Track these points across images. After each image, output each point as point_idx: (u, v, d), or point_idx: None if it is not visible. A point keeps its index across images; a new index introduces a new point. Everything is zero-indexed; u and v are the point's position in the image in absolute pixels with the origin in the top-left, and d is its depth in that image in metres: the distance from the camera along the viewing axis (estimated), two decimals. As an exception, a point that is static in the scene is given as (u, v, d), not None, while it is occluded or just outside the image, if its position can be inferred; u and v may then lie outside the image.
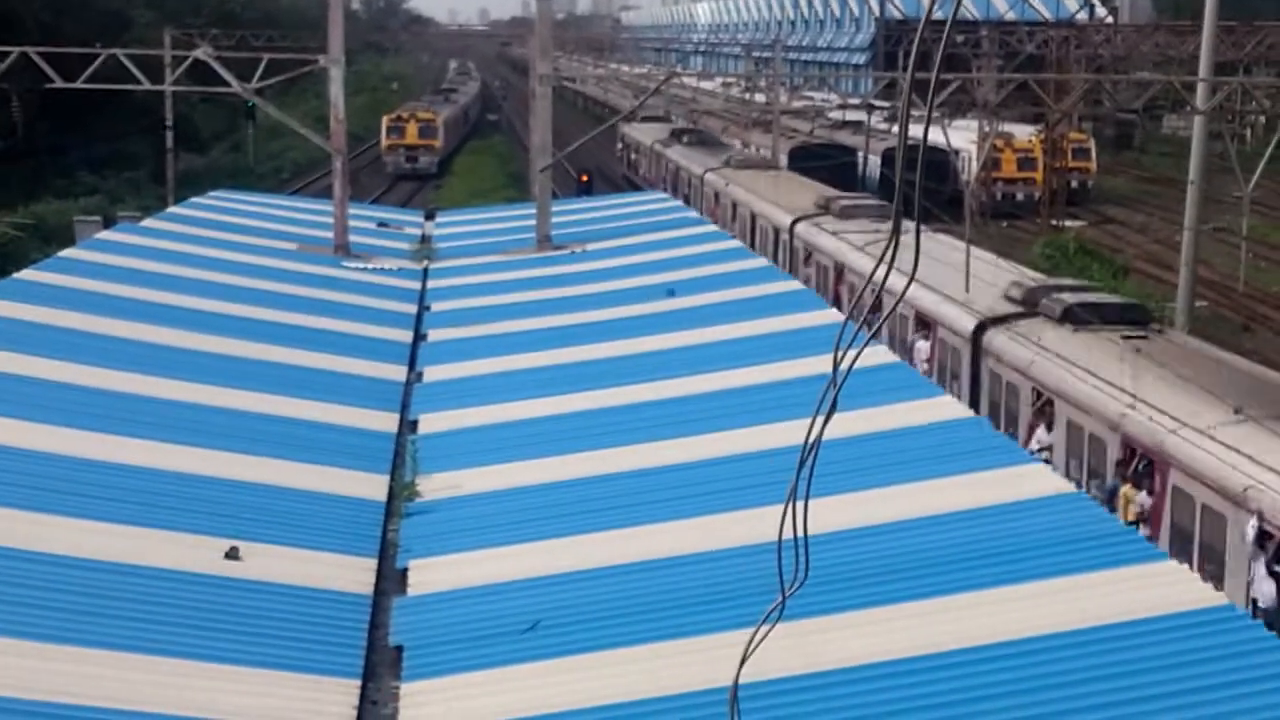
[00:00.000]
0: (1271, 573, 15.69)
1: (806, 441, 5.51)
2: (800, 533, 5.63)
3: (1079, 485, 17.40)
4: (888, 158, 59.40)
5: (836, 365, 5.44)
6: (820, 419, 5.48)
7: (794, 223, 37.28)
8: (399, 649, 11.02)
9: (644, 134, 67.17)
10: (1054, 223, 58.30)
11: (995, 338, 23.89)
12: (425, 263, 30.03)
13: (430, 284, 27.56)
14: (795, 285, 24.47)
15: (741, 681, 6.25)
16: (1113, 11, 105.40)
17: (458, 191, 68.53)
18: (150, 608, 11.00)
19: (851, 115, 68.39)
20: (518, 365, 20.05)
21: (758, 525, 12.01)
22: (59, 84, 35.47)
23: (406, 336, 22.73)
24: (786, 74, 76.81)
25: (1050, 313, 23.52)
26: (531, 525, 13.39)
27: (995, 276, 26.89)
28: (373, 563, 12.77)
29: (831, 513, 11.90)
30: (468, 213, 41.56)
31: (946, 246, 29.58)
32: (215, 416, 16.50)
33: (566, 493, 14.28)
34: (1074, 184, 64.63)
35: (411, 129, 76.95)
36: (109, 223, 37.94)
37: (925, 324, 26.82)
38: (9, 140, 61.57)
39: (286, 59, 37.89)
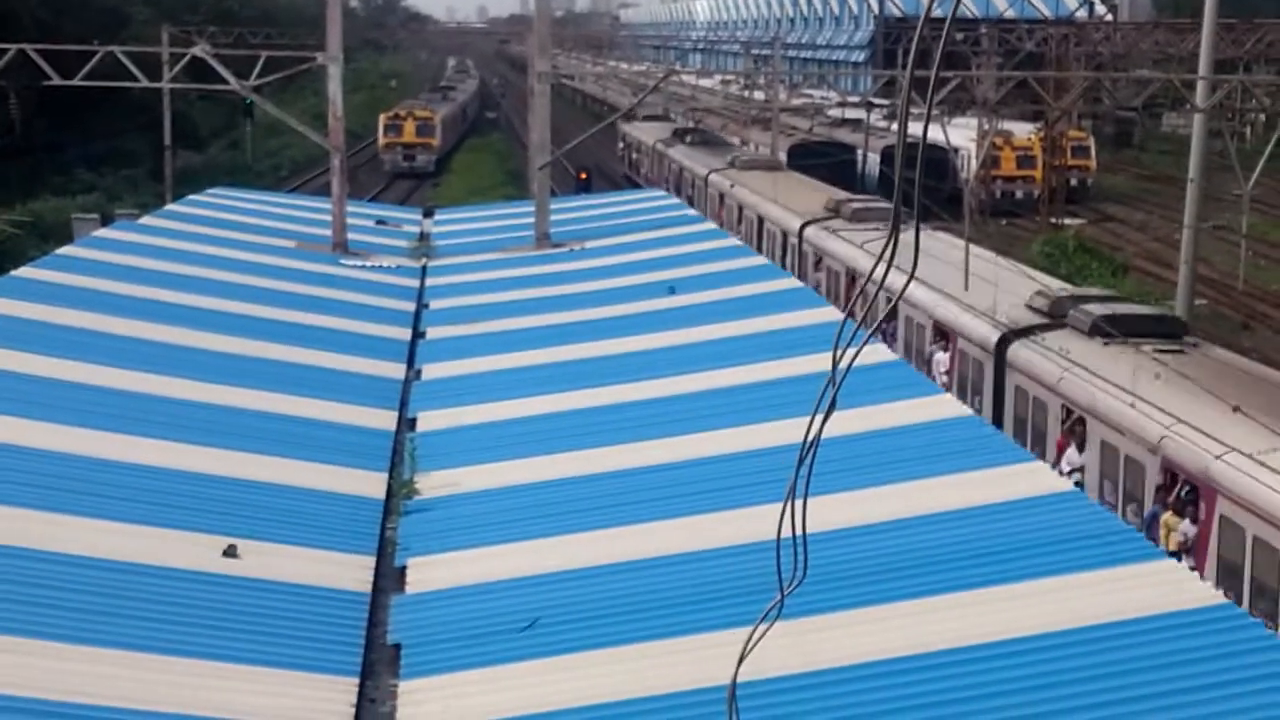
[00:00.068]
0: None
1: (805, 440, 5.50)
2: (799, 531, 5.62)
3: (1114, 509, 16.89)
4: (887, 156, 59.40)
5: (835, 364, 5.42)
6: (819, 417, 5.46)
7: (803, 226, 36.35)
8: (397, 647, 11.01)
9: (645, 133, 66.34)
10: (1053, 221, 58.33)
11: (1020, 351, 22.85)
12: (424, 260, 30.02)
13: (429, 281, 27.55)
14: (794, 283, 24.44)
15: (740, 680, 6.24)
16: (1112, 9, 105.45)
17: (456, 189, 68.55)
18: (147, 605, 10.99)
19: (851, 113, 68.41)
20: (516, 363, 20.04)
21: (756, 524, 12.00)
22: (57, 81, 35.43)
23: (405, 334, 22.71)
24: (786, 72, 76.80)
25: (1079, 325, 22.52)
26: (530, 523, 13.38)
27: (1013, 284, 25.85)
28: (371, 560, 12.75)
29: (829, 511, 11.89)
30: (466, 210, 41.55)
31: (963, 252, 28.80)
32: (213, 414, 16.49)
33: (565, 491, 14.27)
34: (1073, 182, 64.68)
35: (409, 127, 76.74)
36: (107, 220, 37.90)
37: (944, 334, 25.94)
38: (7, 138, 61.52)
39: (284, 56, 37.85)
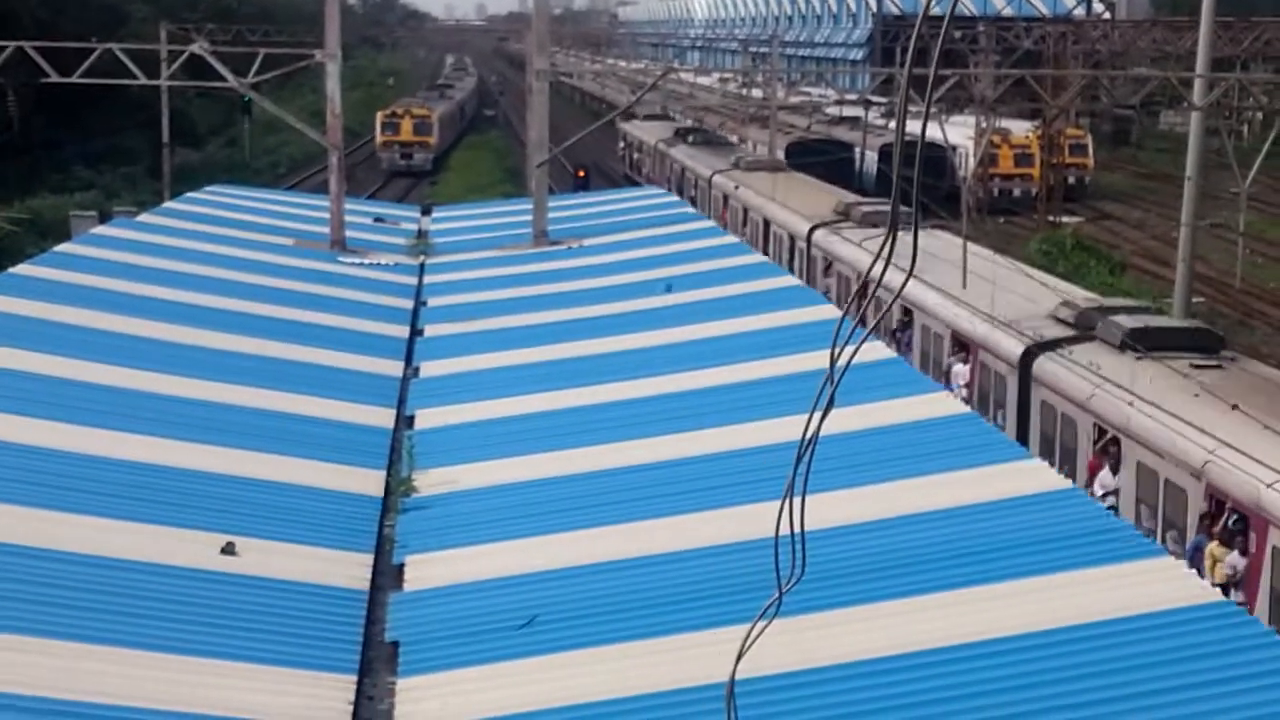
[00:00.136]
0: None
1: (804, 437, 5.50)
2: (797, 529, 5.62)
3: (1152, 536, 15.86)
4: (885, 154, 59.39)
5: (834, 361, 5.43)
6: (817, 415, 5.47)
7: (812, 230, 35.23)
8: (395, 644, 11.01)
9: (647, 132, 65.56)
10: (1051, 219, 58.34)
11: (1048, 365, 21.66)
12: (422, 258, 30.01)
13: (427, 279, 27.55)
14: (792, 281, 24.44)
15: (738, 677, 6.25)
16: (1110, 7, 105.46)
17: (454, 187, 68.52)
18: (145, 603, 10.99)
19: (849, 111, 68.39)
20: (514, 360, 20.04)
21: (754, 521, 12.01)
22: (55, 79, 35.42)
23: (403, 331, 22.71)
24: (784, 69, 76.80)
25: (1109, 337, 21.37)
26: (529, 521, 13.38)
27: (1030, 290, 24.87)
28: (369, 558, 12.76)
29: (828, 509, 11.90)
30: (464, 208, 41.55)
31: (983, 260, 27.97)
32: (211, 411, 16.49)
33: (563, 488, 14.27)
34: (1071, 180, 64.72)
35: (406, 125, 76.45)
36: (105, 218, 37.90)
37: (963, 345, 24.91)
38: (5, 135, 61.49)
39: (283, 54, 37.88)
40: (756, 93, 68.02)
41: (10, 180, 56.67)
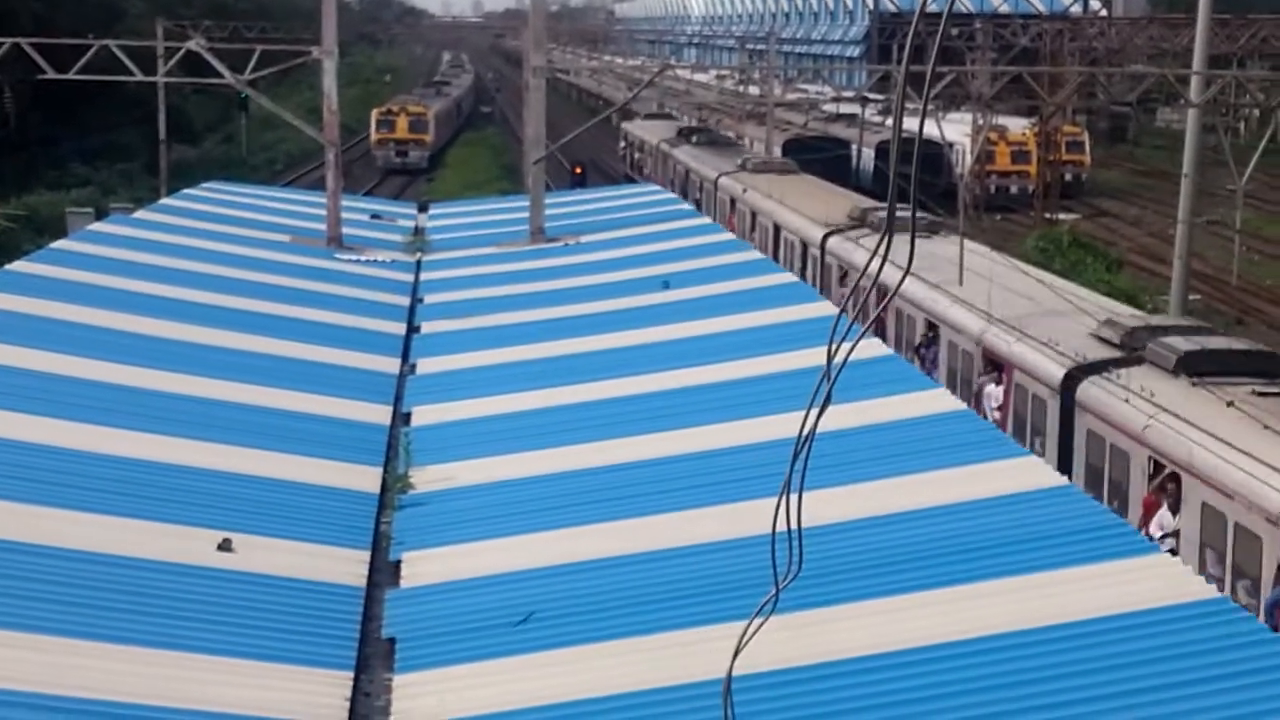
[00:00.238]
0: None
1: (800, 434, 5.50)
2: (794, 525, 5.63)
3: (1220, 585, 14.69)
4: (882, 151, 59.43)
5: (830, 358, 5.43)
6: (814, 412, 5.47)
7: (826, 236, 33.79)
8: (392, 641, 11.01)
9: (648, 132, 64.33)
10: (1048, 216, 58.39)
11: (1093, 391, 19.97)
12: (418, 255, 30.01)
13: (423, 276, 27.54)
14: (790, 278, 24.44)
15: (735, 674, 6.25)
16: (1107, 4, 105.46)
17: (451, 183, 68.52)
18: (141, 599, 10.99)
19: (846, 108, 68.37)
20: (511, 357, 20.04)
21: (751, 518, 12.02)
22: (51, 75, 35.40)
23: (399, 328, 22.70)
24: (781, 67, 76.79)
25: (1160, 360, 19.72)
26: (525, 517, 13.38)
27: (1065, 305, 23.53)
28: (365, 555, 12.75)
29: (824, 505, 11.90)
30: (461, 205, 41.53)
31: (1011, 270, 26.69)
32: (207, 408, 16.48)
33: (560, 485, 14.27)
34: (1068, 177, 64.78)
35: (402, 123, 76.20)
36: (101, 214, 37.91)
37: (995, 364, 23.37)
38: (1, 132, 61.48)
39: (280, 50, 37.92)
40: (753, 90, 67.98)
41: (6, 177, 56.67)
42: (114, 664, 9.92)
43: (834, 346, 5.43)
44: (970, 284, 25.84)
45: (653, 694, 9.69)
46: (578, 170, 60.06)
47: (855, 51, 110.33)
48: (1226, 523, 16.49)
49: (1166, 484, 17.74)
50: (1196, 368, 19.13)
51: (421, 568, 12.42)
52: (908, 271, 5.83)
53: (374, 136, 76.94)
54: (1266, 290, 45.70)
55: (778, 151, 55.81)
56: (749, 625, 5.88)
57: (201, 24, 75.76)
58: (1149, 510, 17.95)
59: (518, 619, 10.99)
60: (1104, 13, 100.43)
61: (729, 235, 30.28)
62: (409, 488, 14.54)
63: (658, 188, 42.73)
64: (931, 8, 5.94)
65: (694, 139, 57.97)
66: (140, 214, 31.09)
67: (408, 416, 17.50)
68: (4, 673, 9.49)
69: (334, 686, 10.13)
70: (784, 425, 14.18)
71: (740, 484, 13.36)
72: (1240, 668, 9.29)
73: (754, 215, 41.35)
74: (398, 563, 12.63)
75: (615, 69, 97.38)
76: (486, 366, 19.70)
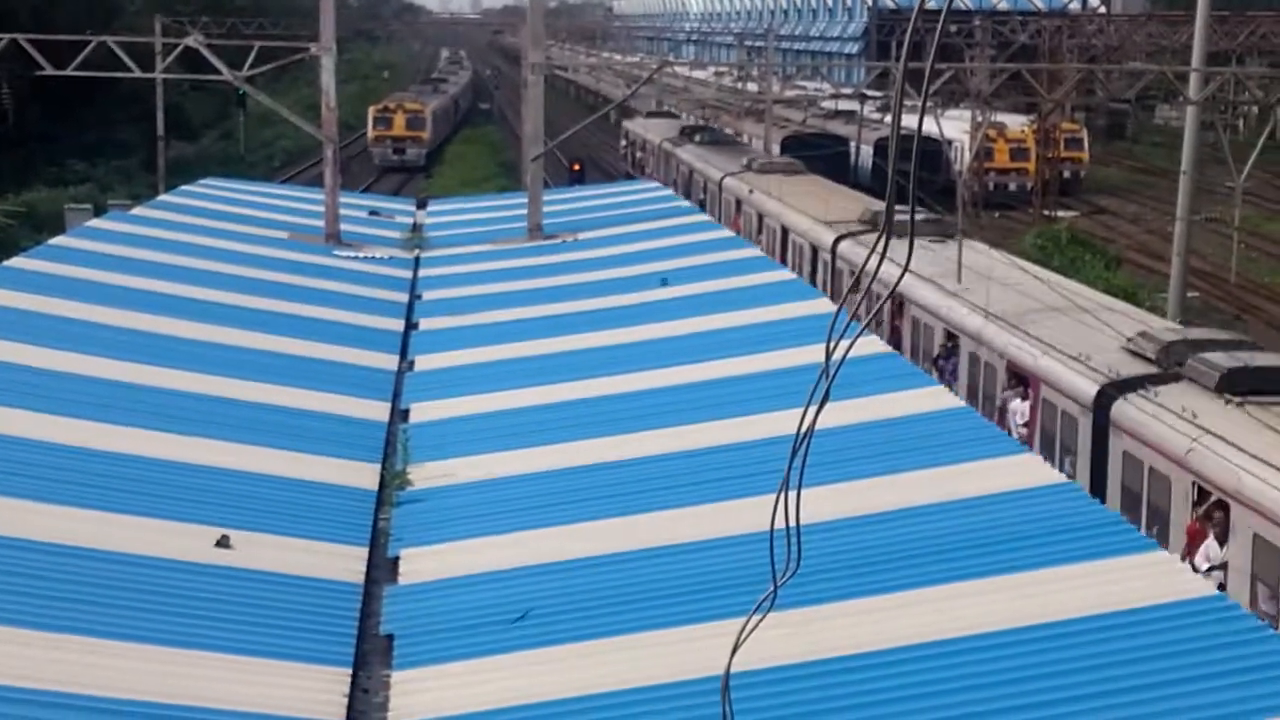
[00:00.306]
0: None
1: (799, 431, 5.50)
2: (793, 522, 5.63)
3: (1274, 623, 13.82)
4: (880, 148, 59.41)
5: (829, 355, 5.43)
6: (812, 409, 5.47)
7: (837, 240, 32.55)
8: (390, 637, 11.01)
9: (650, 131, 63.40)
10: (1046, 213, 58.41)
11: (1128, 409, 18.80)
12: (416, 251, 30.01)
13: (421, 273, 27.54)
14: (788, 275, 24.44)
15: (733, 670, 6.25)
16: (1105, 1, 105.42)
17: (449, 180, 68.48)
18: (140, 596, 10.99)
19: (844, 105, 68.34)
20: (509, 354, 20.04)
21: (749, 515, 12.03)
22: (49, 71, 35.38)
23: (398, 325, 22.71)
24: (779, 63, 76.77)
25: (1201, 378, 18.57)
26: (523, 514, 13.38)
27: (1094, 314, 22.28)
28: (364, 551, 12.76)
29: (823, 502, 11.91)
30: (459, 201, 41.53)
31: (1033, 277, 25.64)
32: (205, 405, 16.48)
33: (558, 482, 14.27)
34: (1066, 174, 64.79)
35: (399, 120, 75.96)
36: (99, 211, 37.90)
37: (1021, 379, 22.31)
38: (0, 128, 61.43)
39: (278, 47, 37.89)
40: (752, 87, 67.95)
41: (5, 173, 56.64)
42: (112, 660, 9.92)
43: (832, 343, 5.43)
44: (991, 291, 24.60)
45: (651, 690, 9.70)
46: (576, 167, 60.04)
47: (854, 48, 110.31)
48: None
49: (1213, 512, 16.61)
50: (1240, 386, 18.04)
51: (419, 564, 12.42)
52: (906, 269, 5.82)
53: (371, 134, 76.72)
54: (1265, 287, 45.71)
55: (776, 149, 55.75)
56: (747, 622, 5.88)
57: (199, 20, 75.69)
58: (1194, 539, 16.86)
59: (516, 616, 10.99)
60: (1103, 9, 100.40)
61: (727, 232, 30.27)
62: (407, 484, 14.55)
63: (656, 184, 42.66)
64: (930, 4, 5.93)
65: (697, 138, 56.74)
66: (138, 210, 31.10)
67: (406, 413, 17.51)
68: (2, 669, 9.49)
69: (332, 683, 10.14)
70: (782, 422, 14.19)
71: (738, 481, 13.37)
72: (1237, 665, 9.30)
73: (760, 218, 40.10)
74: (396, 559, 12.63)
75: (613, 66, 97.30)
76: (484, 363, 19.70)
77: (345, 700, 9.96)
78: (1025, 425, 21.59)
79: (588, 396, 17.34)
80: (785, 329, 19.27)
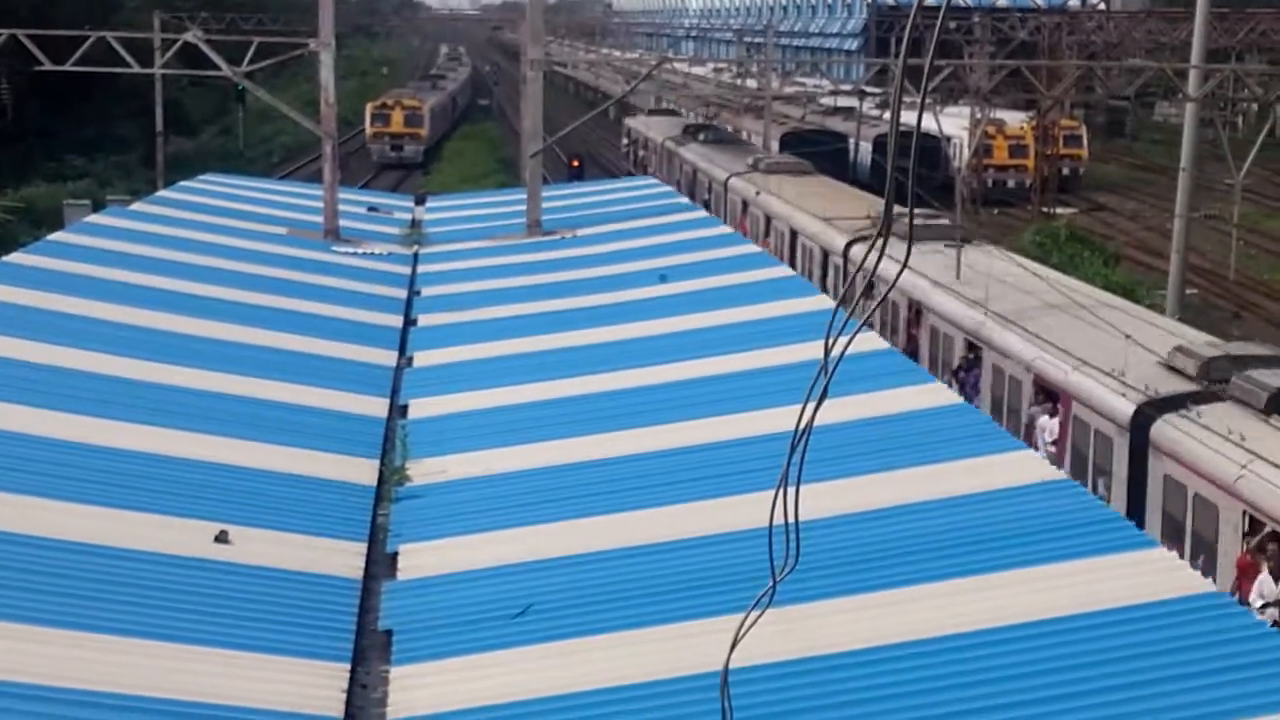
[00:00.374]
0: None
1: (798, 427, 5.51)
2: (791, 518, 5.63)
3: None
4: (879, 144, 59.38)
5: (828, 351, 5.43)
6: (811, 405, 5.47)
7: (849, 244, 31.74)
8: (389, 633, 11.02)
9: (653, 129, 62.53)
10: (1045, 210, 58.43)
11: (1169, 430, 17.69)
12: (415, 247, 30.00)
13: (420, 269, 27.53)
14: (786, 271, 24.43)
15: (732, 666, 6.26)
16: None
17: (448, 176, 68.44)
18: (139, 591, 10.99)
19: (843, 101, 68.33)
20: (508, 350, 20.04)
21: (748, 510, 12.03)
22: (49, 67, 35.35)
23: (396, 321, 22.70)
24: (778, 60, 76.76)
25: (1248, 398, 17.55)
26: (522, 510, 13.39)
27: (1124, 326, 21.02)
28: (362, 547, 12.76)
29: (822, 498, 11.90)
30: (458, 198, 41.52)
31: (1059, 286, 24.42)
32: (204, 400, 16.48)
33: (557, 478, 14.28)
34: (1065, 171, 64.79)
35: (397, 117, 75.66)
36: (98, 206, 37.89)
37: (1049, 394, 21.22)
38: (-1, 123, 61.46)
39: (277, 42, 37.82)
40: (751, 83, 67.93)
41: (4, 169, 56.62)
42: (110, 655, 9.92)
43: (831, 340, 5.44)
44: (1014, 298, 23.91)
45: (650, 686, 9.70)
46: (575, 163, 60.01)
47: (853, 44, 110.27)
48: None
49: (1267, 544, 15.58)
50: None
51: (418, 560, 12.42)
52: (905, 265, 5.83)
53: (369, 130, 76.44)
54: (1264, 284, 45.71)
55: (775, 145, 55.70)
56: (746, 618, 5.89)
57: (198, 16, 75.63)
58: (1245, 573, 15.83)
59: (515, 611, 11.00)
60: (1102, 6, 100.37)
61: (726, 229, 30.23)
62: (406, 480, 14.55)
63: (655, 181, 42.60)
64: (929, 1, 5.93)
65: (701, 137, 55.53)
66: (137, 206, 31.10)
67: (404, 409, 17.51)
68: (0, 664, 9.50)
69: (331, 678, 10.14)
70: (781, 419, 14.18)
71: (737, 477, 13.37)
72: (1234, 662, 9.30)
73: (768, 219, 39.05)
74: (394, 555, 12.63)
75: (613, 62, 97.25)
76: (483, 359, 19.70)
77: (344, 695, 9.96)
78: (1054, 443, 20.60)
79: (586, 393, 17.34)
80: (784, 325, 19.27)
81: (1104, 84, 59.74)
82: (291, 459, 14.79)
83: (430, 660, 10.44)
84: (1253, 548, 15.86)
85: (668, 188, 39.64)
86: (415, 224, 33.98)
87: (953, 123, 55.38)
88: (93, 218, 29.33)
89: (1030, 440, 19.81)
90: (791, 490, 5.56)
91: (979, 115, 53.50)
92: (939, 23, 5.57)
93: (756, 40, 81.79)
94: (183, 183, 36.57)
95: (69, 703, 9.21)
